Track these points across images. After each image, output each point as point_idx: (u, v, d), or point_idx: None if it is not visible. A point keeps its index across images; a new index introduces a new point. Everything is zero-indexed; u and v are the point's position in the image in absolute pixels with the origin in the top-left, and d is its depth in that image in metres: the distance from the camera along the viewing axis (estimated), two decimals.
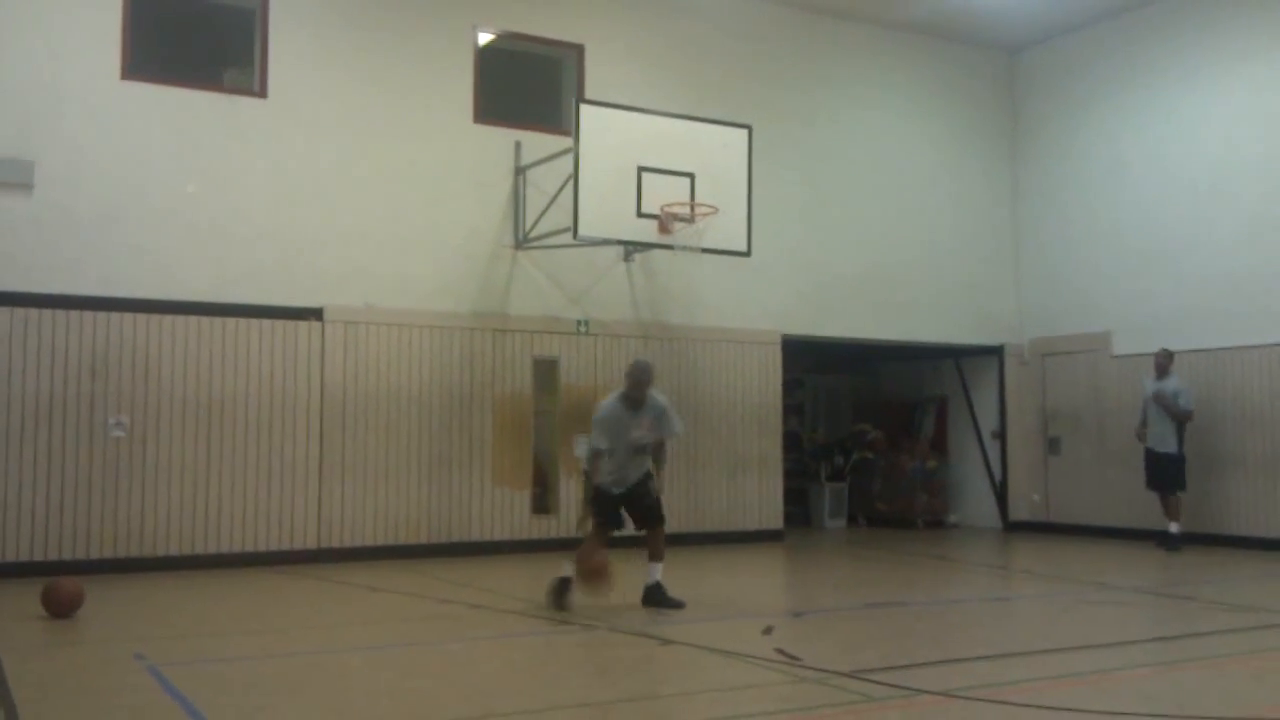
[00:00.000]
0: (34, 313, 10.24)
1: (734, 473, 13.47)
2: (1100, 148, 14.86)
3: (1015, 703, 5.46)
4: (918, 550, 13.27)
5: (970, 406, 16.24)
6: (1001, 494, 15.66)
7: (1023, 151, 15.90)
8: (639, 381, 8.51)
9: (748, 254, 12.06)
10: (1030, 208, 15.78)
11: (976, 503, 16.13)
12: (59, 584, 7.95)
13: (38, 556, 9.98)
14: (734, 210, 11.76)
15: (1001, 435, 15.67)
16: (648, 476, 8.62)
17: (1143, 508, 13.46)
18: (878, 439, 16.58)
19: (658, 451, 8.69)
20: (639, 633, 7.45)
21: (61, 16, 10.59)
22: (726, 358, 13.55)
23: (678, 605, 8.29)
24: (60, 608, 7.79)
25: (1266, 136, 13.05)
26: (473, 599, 8.97)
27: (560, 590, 8.24)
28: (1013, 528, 15.34)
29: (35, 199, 10.36)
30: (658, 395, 8.68)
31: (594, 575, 8.06)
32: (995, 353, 15.65)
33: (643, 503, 8.55)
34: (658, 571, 8.47)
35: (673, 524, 12.38)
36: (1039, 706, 5.37)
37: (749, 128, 12.10)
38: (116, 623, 7.91)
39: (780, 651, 6.55)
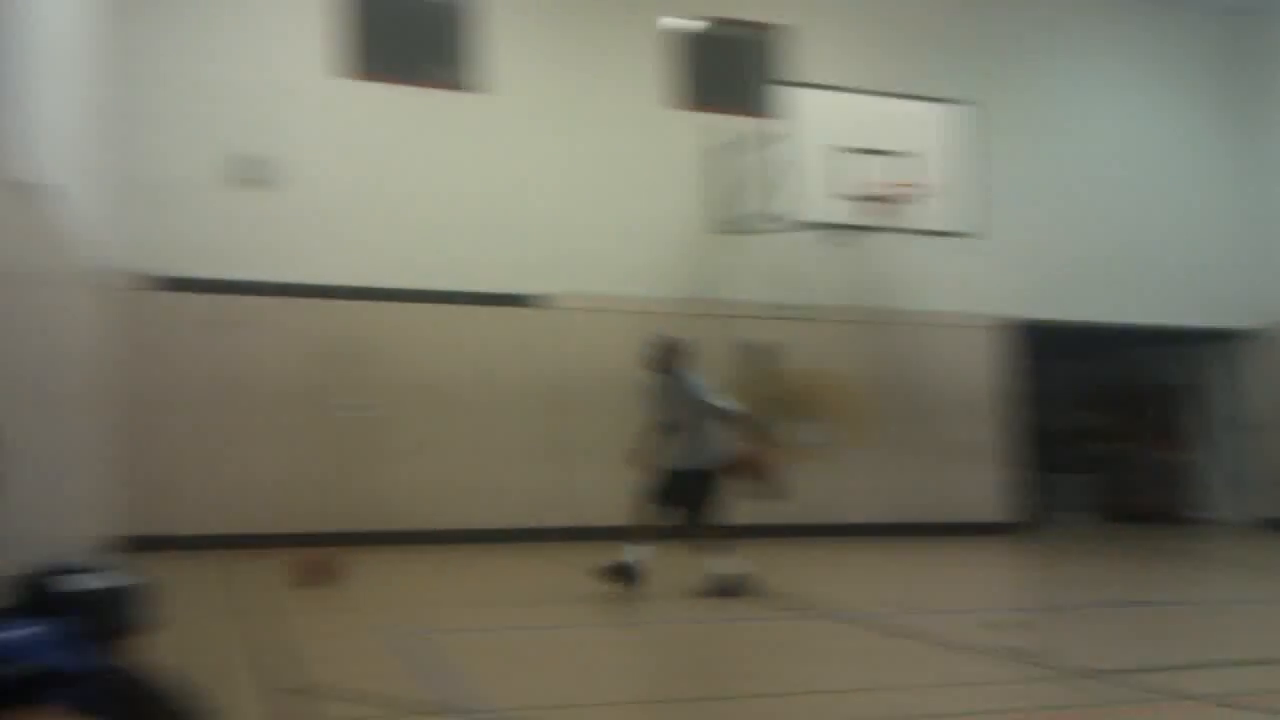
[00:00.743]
0: (278, 301, 10.87)
1: (957, 462, 12.99)
2: None
3: None
4: (1163, 546, 12.47)
5: (1214, 394, 15.14)
6: (1253, 488, 14.53)
7: (1265, 121, 14.64)
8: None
9: (972, 235, 11.60)
10: (1273, 180, 14.51)
11: (1226, 497, 15.02)
12: (311, 555, 8.40)
13: (292, 528, 10.57)
14: (957, 190, 11.33)
15: (1251, 425, 14.53)
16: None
17: None
18: (1122, 429, 15.66)
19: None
20: (859, 621, 7.26)
21: (295, 22, 11.19)
22: (948, 343, 13.08)
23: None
24: (313, 577, 8.23)
25: None
26: (690, 581, 8.95)
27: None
28: (1268, 524, 14.21)
29: (277, 195, 10.99)
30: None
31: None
32: (1242, 336, 14.53)
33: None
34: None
35: (894, 514, 12.10)
36: None
37: (972, 104, 11.61)
38: (363, 593, 8.29)
39: (1016, 648, 6.23)
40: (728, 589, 7.98)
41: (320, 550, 8.62)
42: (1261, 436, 14.39)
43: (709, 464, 8.23)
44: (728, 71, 13.49)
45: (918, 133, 11.38)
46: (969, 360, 13.21)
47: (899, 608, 7.85)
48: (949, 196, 11.31)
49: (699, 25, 12.73)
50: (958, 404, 13.07)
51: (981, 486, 13.16)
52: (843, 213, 11.19)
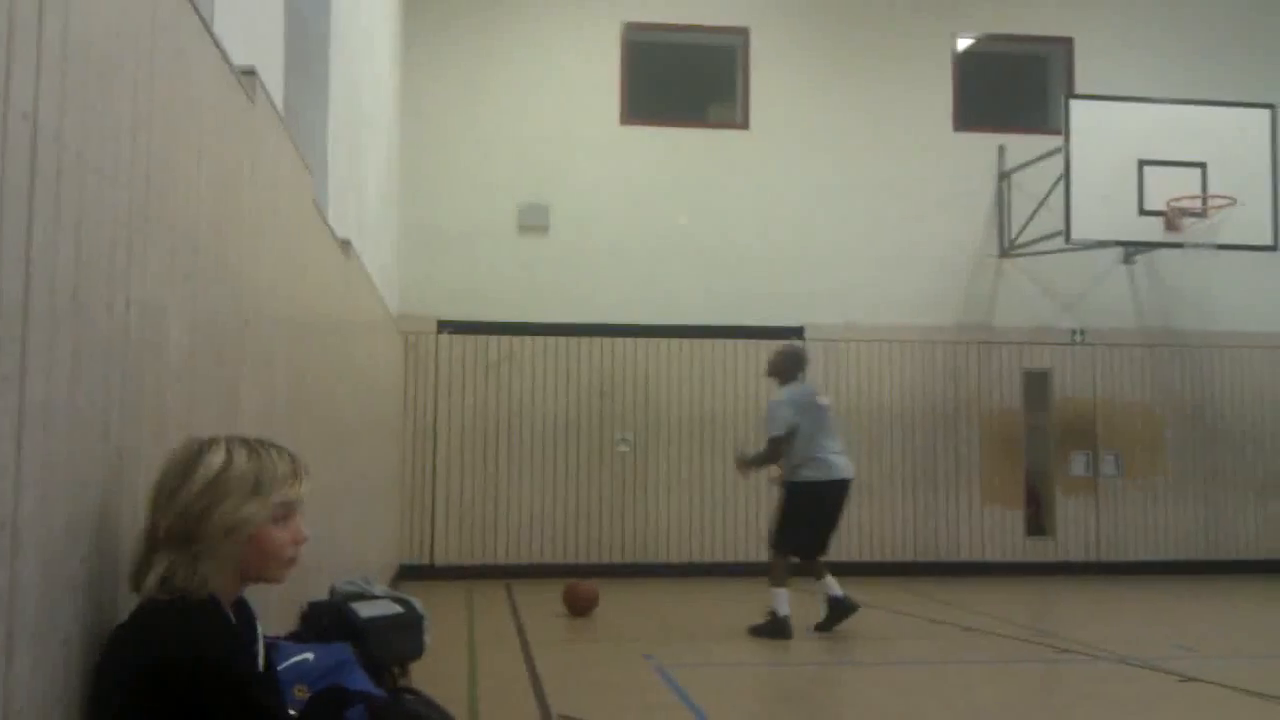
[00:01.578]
0: (552, 340, 11.37)
1: (1267, 494, 11.92)
2: None
3: None
4: None
5: None
6: None
7: None
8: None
9: (1275, 248, 10.67)
10: None
11: None
12: (579, 585, 8.71)
13: (559, 559, 11.01)
14: (1255, 200, 10.48)
15: None
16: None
17: None
18: None
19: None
20: (1151, 666, 6.77)
21: (569, 71, 11.72)
22: (1252, 365, 12.05)
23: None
24: (580, 606, 8.53)
25: None
26: (964, 620, 8.64)
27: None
28: None
29: (550, 238, 11.52)
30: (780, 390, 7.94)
31: None
32: None
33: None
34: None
35: (1187, 550, 11.22)
36: None
37: (1272, 107, 10.73)
38: (627, 623, 8.50)
39: None
40: (766, 629, 7.49)
41: (588, 581, 8.90)
42: None
43: (791, 484, 7.79)
44: (1008, 89, 13.05)
45: (1212, 141, 10.61)
46: (1274, 382, 12.12)
47: (1196, 650, 7.27)
48: (1253, 208, 10.48)
49: (976, 43, 12.39)
50: (1270, 431, 12.01)
51: None
52: (1134, 229, 10.59)
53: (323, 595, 4.79)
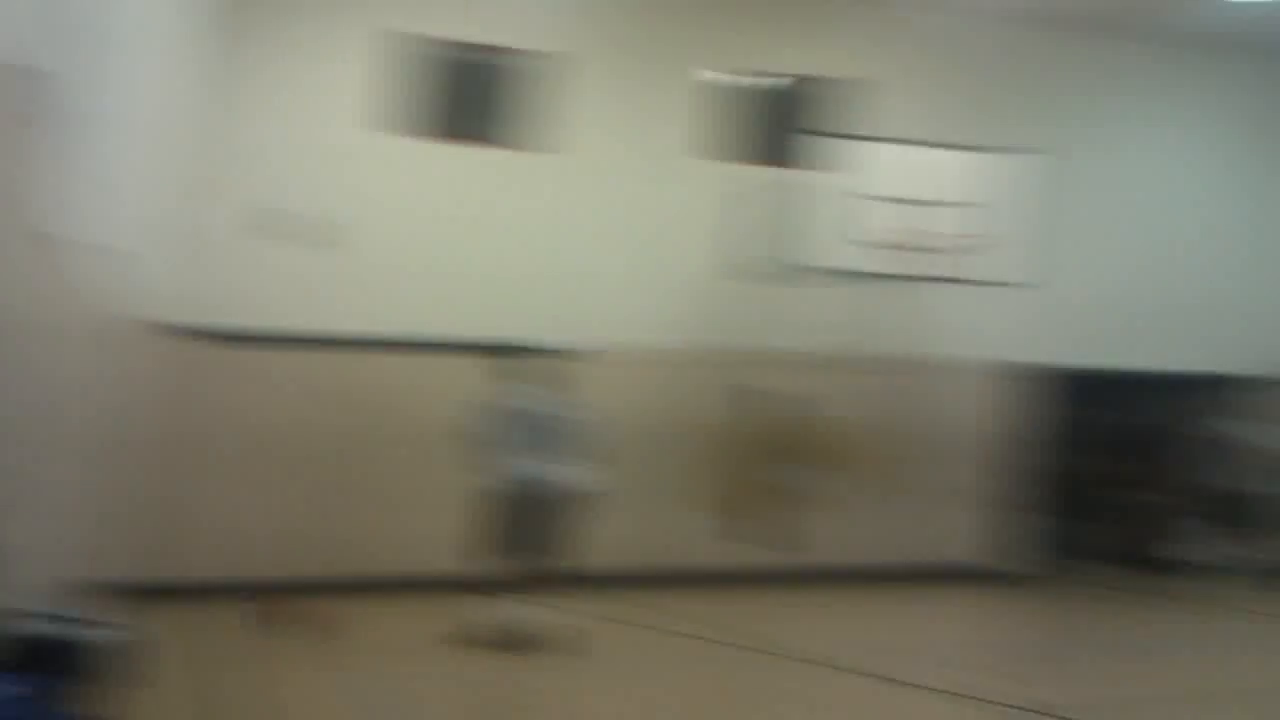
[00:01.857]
0: (312, 354, 11.13)
1: (964, 508, 12.92)
2: None
3: None
4: (1180, 593, 12.22)
5: (1251, 441, 14.91)
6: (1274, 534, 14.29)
7: None
8: None
9: (1011, 285, 11.65)
10: None
11: (1250, 543, 14.76)
12: (292, 602, 8.60)
13: (294, 575, 10.59)
14: (1005, 239, 11.47)
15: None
16: None
17: None
18: (1146, 475, 15.50)
19: None
20: (846, 668, 7.23)
21: (357, 85, 11.52)
22: (970, 390, 13.06)
23: None
24: (299, 625, 8.37)
25: None
26: (689, 629, 8.93)
27: None
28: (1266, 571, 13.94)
29: (335, 253, 11.23)
30: None
31: None
32: None
33: None
34: None
35: (887, 558, 11.87)
36: None
37: (1027, 154, 11.71)
38: (353, 641, 8.28)
39: (1036, 700, 6.17)
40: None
41: (305, 599, 8.71)
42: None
43: None
44: (758, 121, 13.54)
45: (962, 182, 11.53)
46: (989, 407, 13.17)
47: (888, 654, 7.82)
48: (996, 246, 11.43)
49: (740, 78, 12.88)
50: (971, 450, 13.02)
51: (994, 532, 13.08)
52: (873, 261, 11.33)
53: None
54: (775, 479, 12.44)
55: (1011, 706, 6.03)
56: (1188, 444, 15.45)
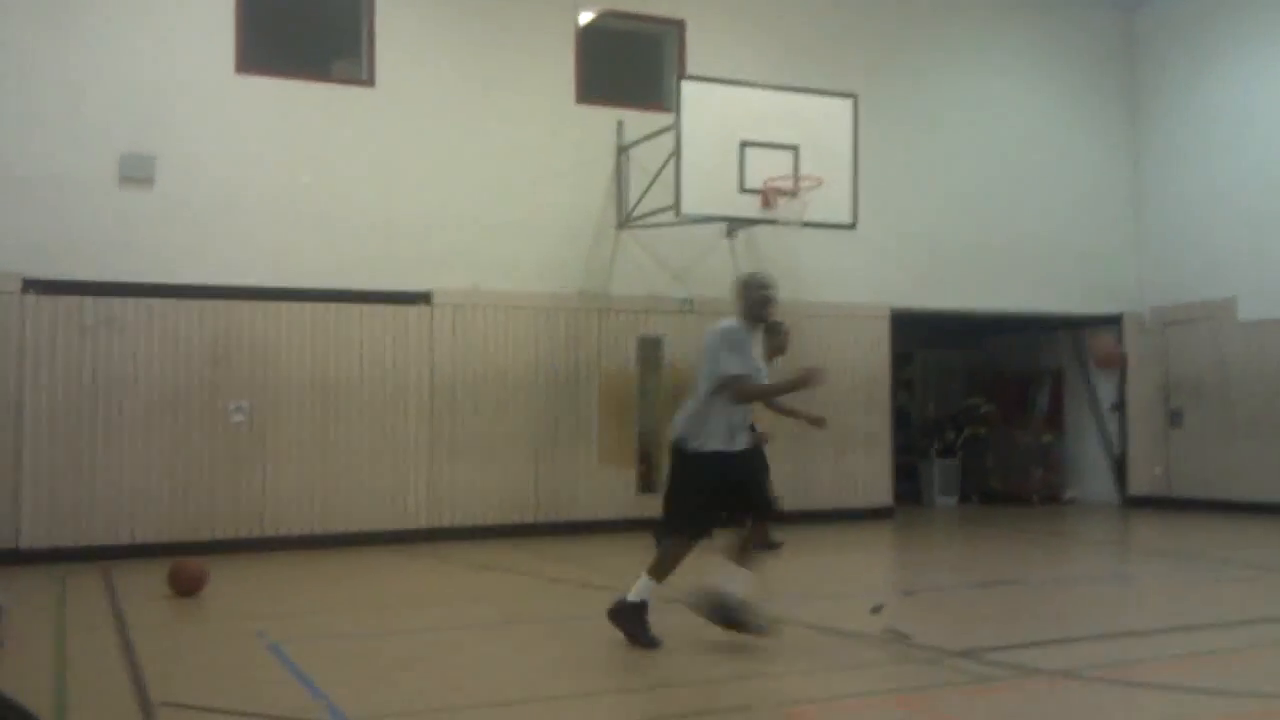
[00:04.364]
0: (158, 302, 10.61)
1: (841, 449, 13.29)
2: (1224, 105, 14.25)
3: (1136, 682, 5.30)
4: (1033, 527, 12.97)
5: (1087, 379, 15.77)
6: (1120, 469, 15.19)
7: (1143, 113, 15.31)
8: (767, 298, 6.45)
9: (853, 226, 11.86)
10: (1151, 171, 15.20)
11: (1094, 478, 15.68)
12: (184, 564, 8.25)
13: (164, 538, 10.35)
14: (839, 182, 11.56)
15: (1120, 407, 15.18)
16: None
17: (1274, 481, 12.92)
18: (991, 413, 16.23)
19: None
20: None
21: (176, 13, 10.92)
22: (832, 333, 13.35)
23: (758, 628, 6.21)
24: (185, 586, 8.08)
25: None
26: (581, 577, 9.06)
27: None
28: (1132, 503, 14.87)
29: (156, 192, 10.73)
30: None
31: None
32: (1114, 322, 15.14)
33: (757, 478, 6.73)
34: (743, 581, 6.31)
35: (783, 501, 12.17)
36: (1160, 686, 5.20)
37: (854, 97, 11.86)
38: (239, 601, 8.18)
39: (891, 630, 6.47)
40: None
41: (194, 559, 8.47)
42: (1131, 419, 15.03)
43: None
44: (622, 65, 13.53)
45: (805, 126, 11.55)
46: (850, 349, 13.51)
47: (780, 594, 8.03)
48: (835, 188, 11.52)
49: (598, 19, 12.72)
50: (839, 392, 13.35)
51: (861, 473, 13.49)
52: (735, 205, 11.32)
53: None
54: (666, 426, 12.51)
55: (827, 630, 6.29)
56: (1041, 381, 16.23)
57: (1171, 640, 6.43)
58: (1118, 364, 10.42)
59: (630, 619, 6.14)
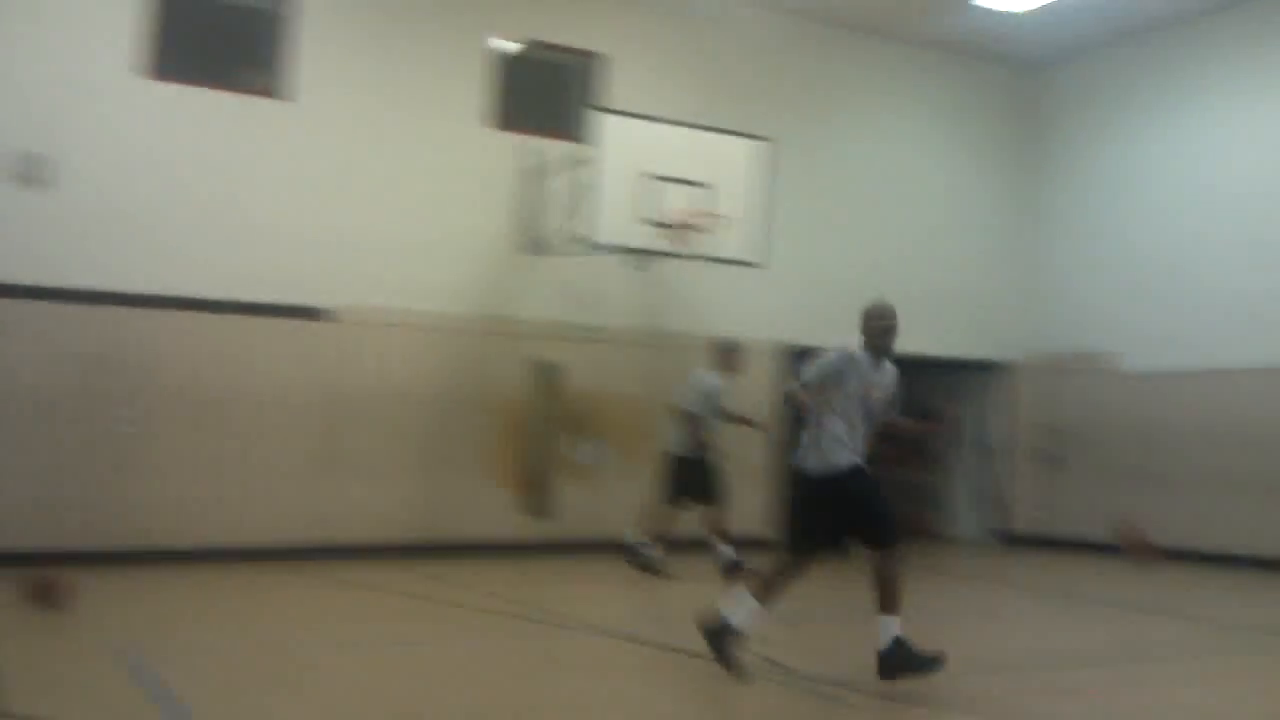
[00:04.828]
0: (46, 306, 10.34)
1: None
2: (1118, 166, 14.85)
3: (996, 714, 5.43)
4: (908, 560, 13.17)
5: (970, 421, 16.14)
6: (1001, 509, 15.61)
7: (1043, 169, 15.84)
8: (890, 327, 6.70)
9: (759, 265, 12.06)
10: (1048, 227, 15.73)
11: (974, 517, 16.06)
12: (44, 575, 7.89)
13: (33, 546, 9.88)
14: (747, 221, 11.79)
15: (996, 449, 15.61)
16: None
17: (1151, 523, 13.38)
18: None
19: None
20: (633, 638, 7.44)
21: (84, 14, 10.72)
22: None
23: (933, 664, 6.04)
24: (43, 597, 7.74)
25: None
26: (465, 599, 8.99)
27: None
28: (1009, 541, 15.26)
29: (53, 195, 10.47)
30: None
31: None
32: (1000, 368, 15.60)
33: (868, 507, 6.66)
34: (894, 625, 6.21)
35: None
36: (1024, 716, 5.34)
37: (766, 140, 12.09)
38: (107, 615, 7.93)
39: (767, 659, 6.54)
40: None
41: (53, 570, 8.10)
42: (1002, 459, 15.49)
43: None
44: (539, 94, 13.58)
45: (717, 164, 11.75)
46: (746, 382, 13.67)
47: (652, 623, 8.07)
48: (741, 227, 11.73)
49: (515, 47, 12.79)
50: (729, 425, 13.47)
51: (745, 504, 13.61)
52: (642, 238, 11.45)
53: None
54: (559, 451, 12.51)
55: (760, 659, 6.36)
56: (930, 424, 16.57)
57: (1032, 674, 6.61)
58: (1148, 555, 12.20)
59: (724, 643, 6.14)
